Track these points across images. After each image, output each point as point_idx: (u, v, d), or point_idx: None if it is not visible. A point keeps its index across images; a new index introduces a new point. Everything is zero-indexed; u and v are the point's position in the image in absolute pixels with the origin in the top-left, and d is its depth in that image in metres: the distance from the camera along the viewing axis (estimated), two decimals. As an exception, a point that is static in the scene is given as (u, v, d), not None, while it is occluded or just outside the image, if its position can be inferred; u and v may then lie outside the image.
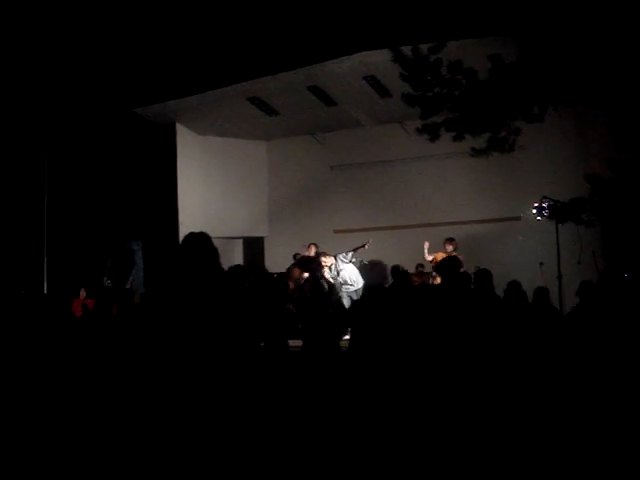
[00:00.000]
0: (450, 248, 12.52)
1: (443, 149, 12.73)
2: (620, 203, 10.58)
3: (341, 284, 12.58)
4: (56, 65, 14.68)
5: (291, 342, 6.66)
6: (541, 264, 11.96)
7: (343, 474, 4.77)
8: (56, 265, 15.05)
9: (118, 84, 14.55)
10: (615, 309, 6.61)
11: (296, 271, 12.68)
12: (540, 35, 9.94)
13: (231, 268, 6.21)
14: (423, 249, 12.84)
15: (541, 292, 8.32)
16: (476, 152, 10.62)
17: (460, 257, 12.01)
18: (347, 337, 6.95)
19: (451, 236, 12.76)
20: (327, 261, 12.77)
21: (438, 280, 12.09)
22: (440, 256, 12.54)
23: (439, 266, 7.64)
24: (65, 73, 14.82)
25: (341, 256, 12.96)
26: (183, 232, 13.95)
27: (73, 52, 14.42)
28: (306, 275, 12.41)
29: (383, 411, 5.17)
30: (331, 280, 12.27)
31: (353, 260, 12.93)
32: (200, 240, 4.13)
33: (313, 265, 12.80)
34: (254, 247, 17.24)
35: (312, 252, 13.46)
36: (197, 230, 4.28)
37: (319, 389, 5.69)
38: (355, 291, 12.33)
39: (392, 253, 13.16)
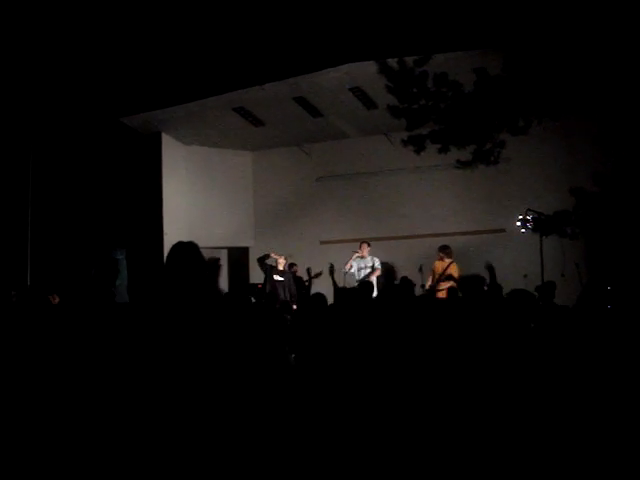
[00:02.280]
0: (442, 255, 12.58)
1: (429, 161, 12.79)
2: (604, 216, 10.67)
3: None
4: (42, 74, 14.64)
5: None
6: (525, 276, 12.00)
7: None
8: (40, 274, 14.98)
9: (104, 93, 14.52)
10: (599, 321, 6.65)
11: None
12: (525, 49, 10.02)
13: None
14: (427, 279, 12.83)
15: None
16: (461, 164, 10.73)
17: (455, 266, 12.17)
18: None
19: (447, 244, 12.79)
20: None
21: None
22: (439, 265, 12.58)
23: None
24: (51, 82, 14.78)
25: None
26: (167, 242, 14.00)
27: (59, 61, 14.39)
28: None
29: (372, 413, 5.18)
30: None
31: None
32: (188, 250, 4.11)
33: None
34: (239, 257, 17.22)
35: (282, 263, 13.65)
36: (182, 240, 4.25)
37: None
38: None
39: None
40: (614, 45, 9.63)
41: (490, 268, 9.67)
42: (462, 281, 7.64)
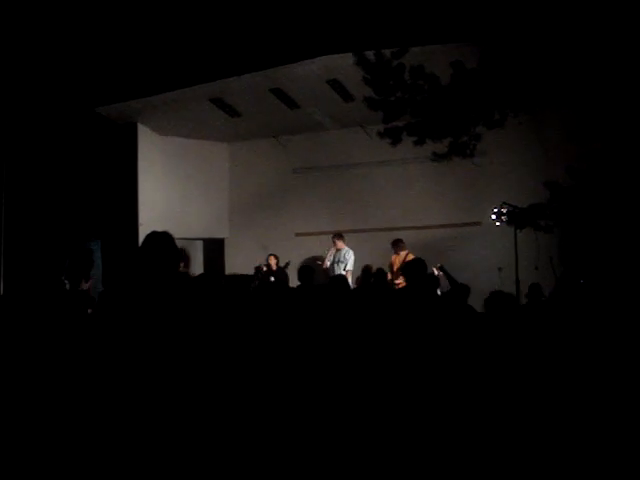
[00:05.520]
0: (396, 249, 12.90)
1: (405, 153, 12.82)
2: (578, 210, 10.75)
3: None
4: (14, 62, 14.47)
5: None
6: (500, 269, 12.07)
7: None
8: (13, 265, 14.83)
9: (79, 82, 14.39)
10: (572, 312, 6.71)
11: None
12: (501, 43, 10.06)
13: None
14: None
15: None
16: (437, 157, 10.74)
17: (412, 256, 12.43)
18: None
19: (400, 238, 13.08)
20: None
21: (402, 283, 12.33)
22: (396, 259, 12.86)
23: (404, 268, 7.80)
24: (24, 70, 14.61)
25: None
26: (143, 232, 13.94)
27: (32, 48, 14.23)
28: None
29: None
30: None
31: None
32: (162, 239, 4.07)
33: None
34: (214, 249, 17.18)
35: (272, 263, 13.87)
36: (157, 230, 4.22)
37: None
38: None
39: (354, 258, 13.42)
40: (589, 40, 9.69)
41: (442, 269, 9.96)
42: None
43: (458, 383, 5.41)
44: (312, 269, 9.28)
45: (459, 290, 8.92)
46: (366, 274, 12.65)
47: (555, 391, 5.31)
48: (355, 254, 13.65)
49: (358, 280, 12.89)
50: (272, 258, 14.08)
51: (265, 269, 13.85)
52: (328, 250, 13.81)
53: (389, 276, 12.71)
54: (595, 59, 9.86)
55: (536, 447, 4.83)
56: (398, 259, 12.93)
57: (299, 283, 9.20)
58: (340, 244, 13.66)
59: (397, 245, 13.03)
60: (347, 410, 5.22)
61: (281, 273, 13.86)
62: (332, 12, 11.73)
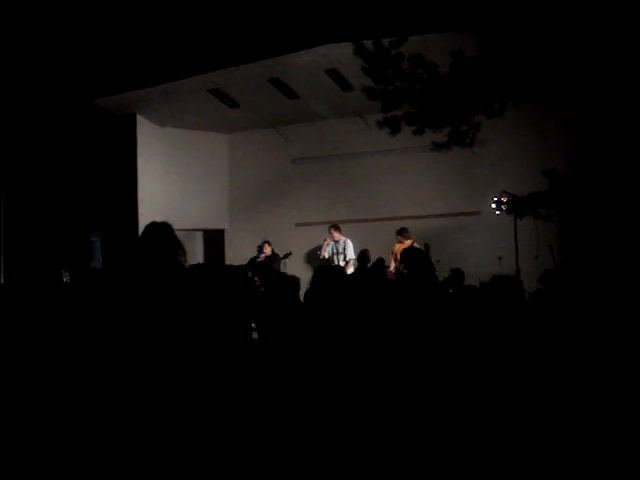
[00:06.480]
0: (400, 238, 12.87)
1: (404, 143, 12.81)
2: (577, 198, 10.76)
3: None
4: (12, 54, 14.44)
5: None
6: (500, 258, 12.07)
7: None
8: (13, 257, 14.84)
9: (77, 74, 14.35)
10: (572, 300, 6.70)
11: None
12: (500, 31, 10.04)
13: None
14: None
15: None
16: (436, 146, 10.73)
17: (417, 245, 12.42)
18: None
19: (404, 226, 13.05)
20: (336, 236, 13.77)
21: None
22: (400, 247, 12.82)
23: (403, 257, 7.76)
24: (22, 61, 14.58)
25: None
26: (143, 224, 13.94)
27: (31, 40, 14.20)
28: None
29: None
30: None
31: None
32: (161, 230, 4.07)
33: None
34: (214, 240, 17.18)
35: (268, 251, 13.93)
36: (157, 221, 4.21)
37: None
38: None
39: (353, 246, 13.43)
40: (588, 28, 9.67)
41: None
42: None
43: (464, 374, 5.41)
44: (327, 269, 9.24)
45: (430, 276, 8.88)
46: (362, 260, 12.66)
47: (558, 382, 5.32)
48: (354, 244, 13.67)
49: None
50: (267, 245, 14.23)
51: (263, 257, 13.87)
52: (324, 241, 13.83)
53: (393, 264, 12.69)
54: (594, 47, 9.84)
55: (542, 440, 4.84)
56: (402, 247, 12.84)
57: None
58: (337, 235, 13.67)
59: (402, 234, 12.95)
60: (347, 407, 5.23)
61: (275, 260, 13.88)
62: (330, 1, 11.70)
